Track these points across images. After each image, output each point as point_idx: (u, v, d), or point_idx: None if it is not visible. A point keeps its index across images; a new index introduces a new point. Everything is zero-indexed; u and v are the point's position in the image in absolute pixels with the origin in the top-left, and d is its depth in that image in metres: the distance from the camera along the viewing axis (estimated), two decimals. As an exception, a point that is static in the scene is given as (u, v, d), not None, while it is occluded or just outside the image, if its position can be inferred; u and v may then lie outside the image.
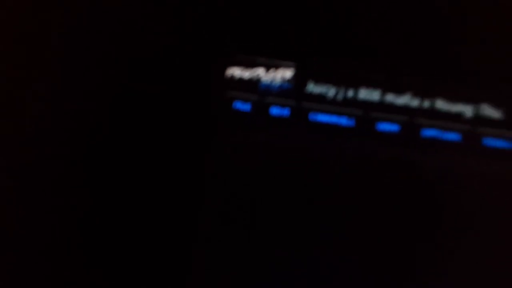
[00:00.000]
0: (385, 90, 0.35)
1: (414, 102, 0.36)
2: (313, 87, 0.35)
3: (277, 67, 0.33)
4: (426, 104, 0.35)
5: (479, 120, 0.33)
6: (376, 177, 0.34)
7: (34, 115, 0.47)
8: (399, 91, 0.35)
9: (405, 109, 0.35)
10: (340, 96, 0.35)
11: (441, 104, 0.35)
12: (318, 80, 0.35)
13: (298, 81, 0.35)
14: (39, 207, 0.48)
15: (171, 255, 0.40)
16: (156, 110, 0.43)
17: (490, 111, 0.33)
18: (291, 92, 0.35)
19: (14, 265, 0.47)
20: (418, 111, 0.35)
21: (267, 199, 0.34)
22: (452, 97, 0.35)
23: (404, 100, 0.35)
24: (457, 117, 0.34)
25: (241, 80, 0.34)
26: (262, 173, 0.35)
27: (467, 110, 0.34)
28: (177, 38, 0.39)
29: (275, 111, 0.36)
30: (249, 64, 0.34)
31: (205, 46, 0.34)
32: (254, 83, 0.34)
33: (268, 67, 0.34)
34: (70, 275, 0.45)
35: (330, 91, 0.35)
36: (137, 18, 0.44)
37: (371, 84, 0.35)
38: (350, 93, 0.35)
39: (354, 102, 0.35)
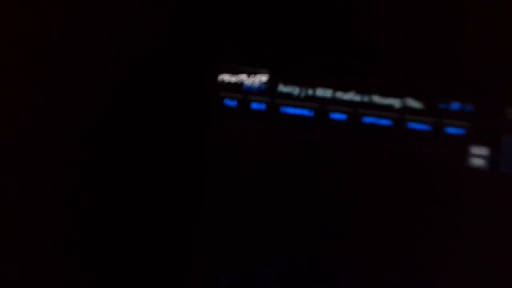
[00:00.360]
0: (335, 89, 0.45)
1: (357, 97, 0.46)
2: (282, 88, 0.44)
3: (255, 73, 0.43)
4: (366, 98, 0.45)
5: (404, 109, 0.44)
6: (331, 156, 0.43)
7: (34, 115, 0.46)
8: (346, 90, 0.45)
9: (350, 103, 0.45)
10: (302, 94, 0.45)
11: (376, 99, 0.46)
12: (286, 83, 0.44)
13: (272, 83, 0.44)
14: (39, 207, 0.47)
15: (170, 251, 0.44)
16: (155, 109, 0.45)
17: (413, 103, 0.44)
18: (266, 91, 0.44)
19: (14, 265, 0.46)
20: (360, 104, 0.45)
21: (252, 174, 0.42)
22: (385, 93, 0.46)
23: (349, 96, 0.45)
24: (389, 107, 0.44)
25: (229, 83, 0.44)
26: (247, 152, 0.43)
27: (396, 102, 0.44)
28: (177, 41, 0.43)
29: (254, 106, 0.45)
30: (235, 71, 0.43)
31: (200, 55, 0.42)
32: (239, 85, 0.44)
33: (249, 73, 0.43)
34: (70, 275, 0.45)
35: (295, 90, 0.45)
36: (137, 18, 0.45)
37: (325, 85, 0.45)
38: (310, 92, 0.45)
39: (313, 98, 0.45)
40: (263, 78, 0.41)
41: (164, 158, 0.46)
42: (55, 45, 0.47)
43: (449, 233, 0.36)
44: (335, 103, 0.44)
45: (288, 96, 0.43)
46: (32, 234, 0.47)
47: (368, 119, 0.41)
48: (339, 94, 0.44)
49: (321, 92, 0.44)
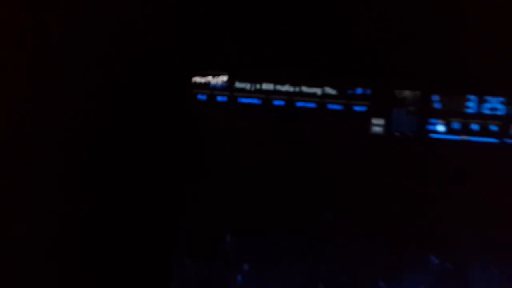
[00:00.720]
0: (275, 83, 0.55)
1: (291, 89, 0.56)
2: (238, 84, 0.54)
3: (218, 75, 0.52)
4: (297, 89, 0.56)
5: (324, 95, 0.55)
6: (274, 132, 0.54)
7: (34, 115, 0.41)
8: (283, 83, 0.55)
9: (286, 92, 0.55)
10: (252, 88, 0.54)
11: (305, 89, 0.56)
12: (240, 80, 0.53)
13: (230, 82, 0.53)
14: (39, 207, 0.45)
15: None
16: (152, 108, 0.47)
17: (330, 90, 0.55)
18: (227, 88, 0.53)
19: (14, 265, 0.42)
20: (293, 93, 0.56)
21: (218, 148, 0.52)
22: (310, 84, 0.56)
23: (286, 88, 0.56)
24: (313, 95, 0.54)
25: (200, 83, 0.52)
26: (214, 133, 0.52)
27: (318, 90, 0.55)
28: (171, 42, 0.46)
29: (219, 98, 0.52)
30: (204, 74, 0.52)
31: (180, 63, 0.49)
32: (207, 84, 0.52)
33: (214, 75, 0.52)
34: (70, 275, 0.44)
35: (247, 86, 0.54)
36: (137, 18, 0.44)
37: (268, 80, 0.55)
38: (258, 86, 0.54)
39: (260, 91, 0.54)
40: (224, 78, 0.52)
41: (159, 152, 0.49)
42: (55, 45, 0.44)
43: (359, 184, 0.48)
44: (275, 93, 0.54)
45: (242, 90, 0.53)
46: (32, 233, 0.46)
47: (299, 104, 0.52)
48: (278, 87, 0.54)
49: (265, 86, 0.54)
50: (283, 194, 0.48)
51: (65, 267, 0.48)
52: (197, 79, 0.50)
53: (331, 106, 0.46)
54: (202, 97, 0.50)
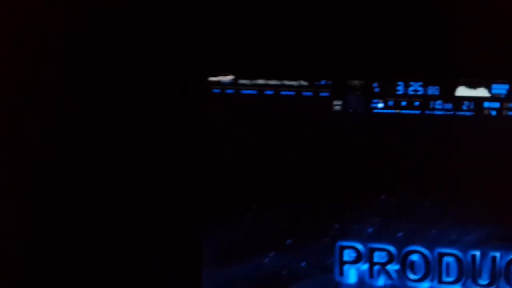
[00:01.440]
0: (252, 79, 0.61)
1: (278, 82, 0.62)
2: (242, 81, 0.60)
3: (224, 75, 0.59)
4: (273, 83, 0.62)
5: (300, 86, 0.62)
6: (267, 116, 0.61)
7: (34, 115, 0.41)
8: (254, 78, 0.61)
9: (275, 85, 0.62)
10: (251, 83, 0.61)
11: (286, 82, 0.62)
12: (244, 78, 0.61)
13: (235, 80, 0.60)
14: (39, 207, 0.44)
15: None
16: (151, 108, 0.46)
17: (304, 83, 0.62)
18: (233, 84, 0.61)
19: (14, 264, 0.42)
20: (280, 85, 0.62)
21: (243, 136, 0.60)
22: (281, 77, 0.62)
23: (274, 82, 0.62)
24: (291, 86, 0.62)
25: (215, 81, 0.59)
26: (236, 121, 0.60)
27: (295, 83, 0.62)
28: (177, 41, 0.46)
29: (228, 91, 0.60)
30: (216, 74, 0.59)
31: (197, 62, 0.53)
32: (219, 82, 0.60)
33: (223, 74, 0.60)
34: (70, 275, 0.44)
35: (247, 82, 0.61)
36: (137, 18, 0.44)
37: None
38: (256, 82, 0.62)
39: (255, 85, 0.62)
40: (229, 77, 0.59)
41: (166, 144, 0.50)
42: (55, 45, 0.44)
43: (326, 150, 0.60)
44: (267, 86, 0.63)
45: (244, 85, 0.61)
46: (32, 233, 0.45)
47: (268, 92, 0.62)
48: (261, 82, 0.62)
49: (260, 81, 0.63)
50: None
51: (65, 267, 0.47)
52: (212, 78, 0.58)
53: (305, 94, 0.61)
54: (216, 90, 0.58)
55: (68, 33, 0.46)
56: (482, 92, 0.55)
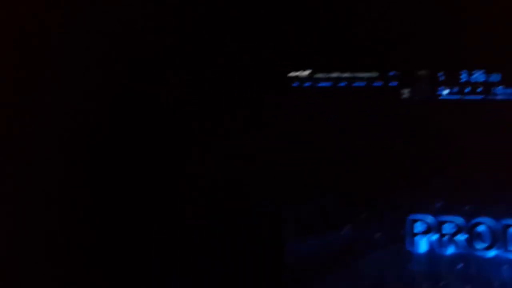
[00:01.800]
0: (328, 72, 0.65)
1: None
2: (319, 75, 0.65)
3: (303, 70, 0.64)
4: (346, 75, 0.65)
5: (372, 77, 0.65)
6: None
7: (34, 115, 0.41)
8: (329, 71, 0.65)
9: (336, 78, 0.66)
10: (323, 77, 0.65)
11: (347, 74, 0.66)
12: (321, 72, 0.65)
13: (313, 74, 0.65)
14: (39, 207, 0.43)
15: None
16: (151, 107, 0.45)
17: (375, 74, 0.65)
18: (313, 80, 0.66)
19: (14, 264, 0.42)
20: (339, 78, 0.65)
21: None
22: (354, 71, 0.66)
23: (335, 75, 0.65)
24: (361, 78, 0.65)
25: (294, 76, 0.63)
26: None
27: (366, 75, 0.66)
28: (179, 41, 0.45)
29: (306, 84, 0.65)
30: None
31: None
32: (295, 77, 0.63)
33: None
34: (70, 275, 0.43)
35: (319, 75, 0.65)
36: (137, 18, 0.43)
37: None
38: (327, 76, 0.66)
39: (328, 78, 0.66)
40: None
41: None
42: (55, 45, 0.43)
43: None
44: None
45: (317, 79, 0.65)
46: (32, 233, 0.44)
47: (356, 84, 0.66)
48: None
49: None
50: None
51: (65, 267, 0.47)
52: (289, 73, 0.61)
53: (296, 84, 0.64)
54: (296, 84, 0.63)
55: (68, 33, 0.46)
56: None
